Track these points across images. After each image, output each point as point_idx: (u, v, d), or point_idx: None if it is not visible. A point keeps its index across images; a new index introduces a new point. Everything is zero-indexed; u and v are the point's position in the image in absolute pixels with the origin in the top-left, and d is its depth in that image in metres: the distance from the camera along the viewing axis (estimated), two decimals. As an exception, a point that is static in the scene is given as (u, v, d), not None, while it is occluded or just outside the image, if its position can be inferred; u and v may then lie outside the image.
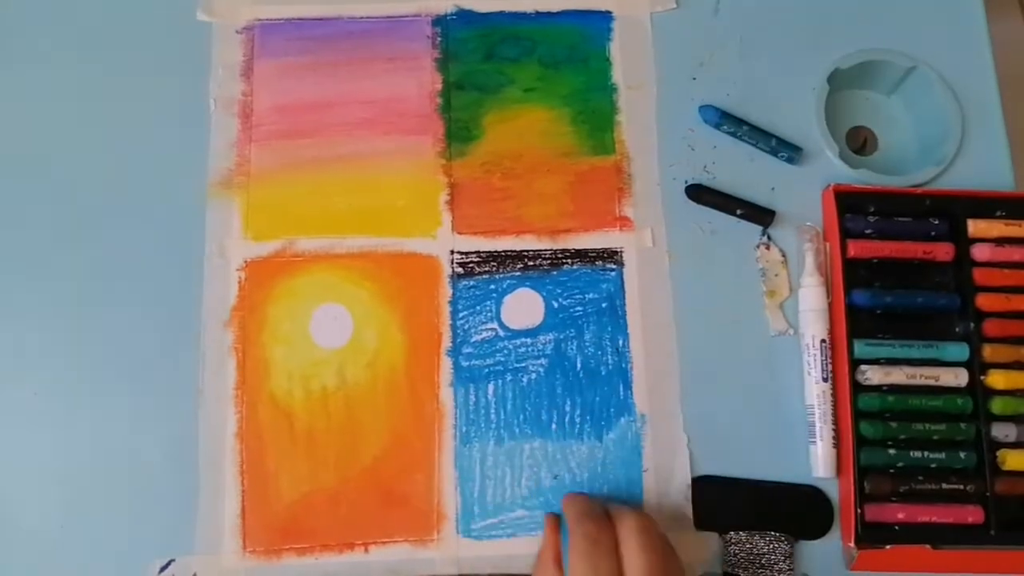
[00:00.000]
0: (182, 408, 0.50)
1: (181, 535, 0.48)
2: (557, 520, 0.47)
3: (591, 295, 0.52)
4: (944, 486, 0.48)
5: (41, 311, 0.51)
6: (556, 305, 0.52)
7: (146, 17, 0.55)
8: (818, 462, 0.49)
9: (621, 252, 0.52)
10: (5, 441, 0.49)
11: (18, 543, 0.48)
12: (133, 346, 0.50)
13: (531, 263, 0.52)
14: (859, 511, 0.47)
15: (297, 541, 0.48)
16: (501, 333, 0.51)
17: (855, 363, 0.50)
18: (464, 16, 0.56)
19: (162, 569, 0.48)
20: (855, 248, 0.51)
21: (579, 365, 0.51)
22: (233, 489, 0.49)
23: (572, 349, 0.51)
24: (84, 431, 0.49)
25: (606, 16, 0.57)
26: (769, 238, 0.52)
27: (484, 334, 0.51)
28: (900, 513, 0.47)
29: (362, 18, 0.56)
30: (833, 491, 0.49)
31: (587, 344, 0.51)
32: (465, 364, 0.51)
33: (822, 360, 0.49)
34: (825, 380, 0.49)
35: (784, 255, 0.52)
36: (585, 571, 0.40)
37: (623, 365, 0.51)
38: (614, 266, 0.52)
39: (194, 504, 0.48)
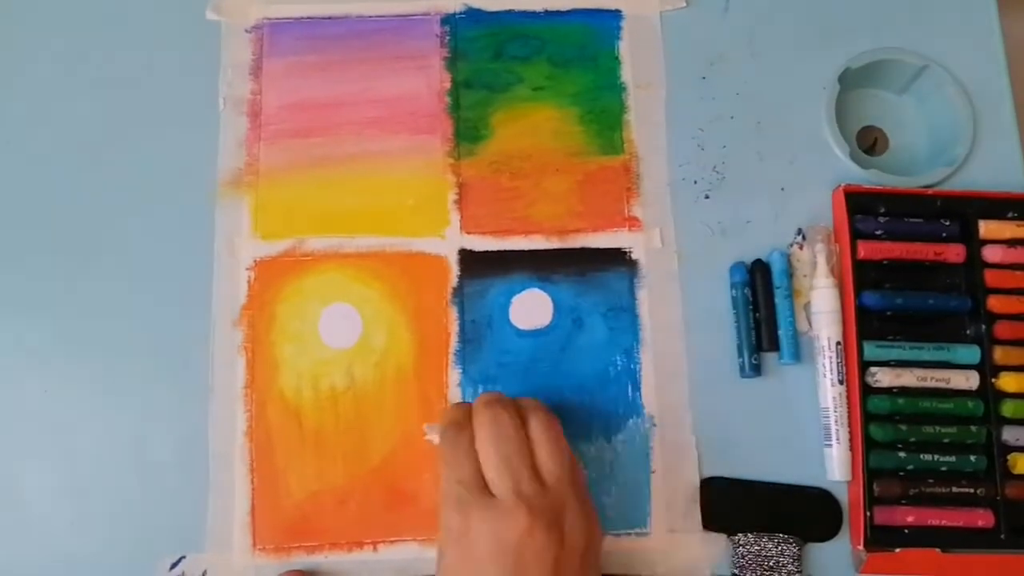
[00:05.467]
0: (192, 406, 0.50)
1: (191, 533, 0.48)
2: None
3: (599, 295, 0.52)
4: (954, 489, 0.48)
5: (51, 309, 0.51)
6: (564, 305, 0.52)
7: (155, 16, 0.55)
8: (834, 465, 0.48)
9: (630, 252, 0.52)
10: (16, 438, 0.49)
11: (29, 540, 0.48)
12: (143, 344, 0.51)
13: (540, 263, 0.52)
14: (868, 514, 0.47)
15: (306, 540, 0.48)
16: (510, 333, 0.51)
17: (865, 365, 0.49)
18: (473, 15, 0.56)
19: (172, 566, 0.48)
20: (865, 249, 0.51)
21: (587, 366, 0.51)
22: (243, 487, 0.49)
23: (580, 350, 0.51)
24: (94, 429, 0.50)
25: (615, 15, 0.56)
26: (804, 238, 0.52)
27: (493, 334, 0.51)
28: (910, 516, 0.47)
29: (371, 17, 0.56)
30: (842, 493, 0.49)
31: (595, 345, 0.51)
32: (473, 364, 0.51)
33: (837, 362, 0.49)
34: (841, 382, 0.49)
35: (816, 257, 0.51)
36: (446, 477, 0.42)
37: (632, 366, 0.51)
38: (623, 266, 0.52)
39: (204, 502, 0.49)
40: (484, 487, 0.41)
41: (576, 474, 0.42)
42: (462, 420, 0.43)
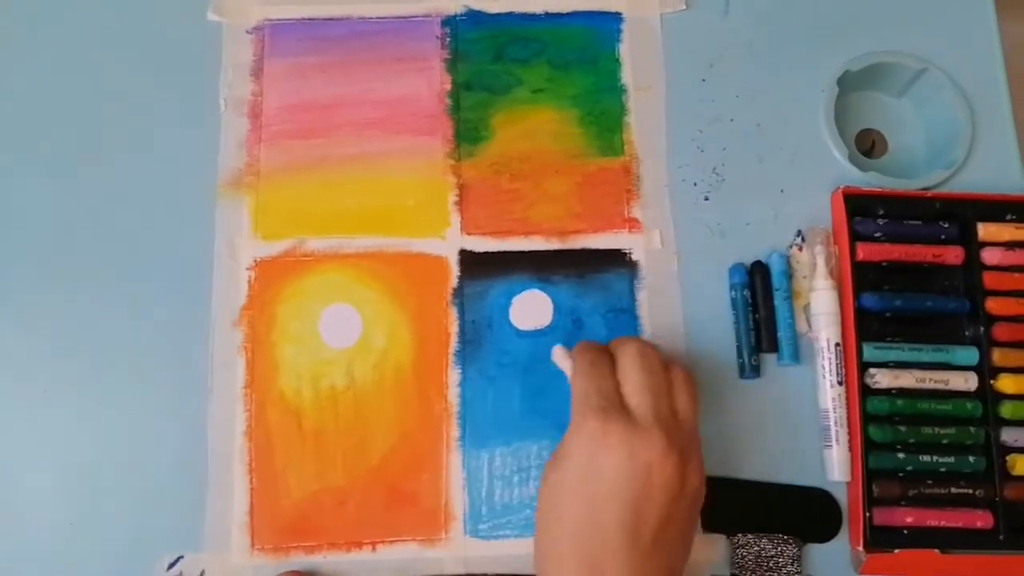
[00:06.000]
0: (191, 407, 0.50)
1: (190, 532, 0.48)
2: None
3: (599, 296, 0.52)
4: (953, 490, 0.48)
5: (51, 310, 0.51)
6: (564, 306, 0.52)
7: (157, 17, 0.55)
8: (833, 466, 0.48)
9: (630, 253, 0.52)
10: (15, 438, 0.49)
11: (29, 540, 0.48)
12: (143, 345, 0.50)
13: (540, 264, 0.52)
14: (867, 515, 0.47)
15: (305, 539, 0.48)
16: (510, 334, 0.51)
17: (864, 366, 0.49)
18: (474, 17, 0.56)
19: (171, 566, 0.48)
20: (864, 251, 0.51)
21: (587, 366, 0.51)
22: (242, 487, 0.49)
23: (580, 350, 0.51)
24: (94, 429, 0.50)
25: (616, 17, 0.57)
26: (803, 240, 0.52)
27: (492, 335, 0.51)
28: (909, 517, 0.47)
29: (372, 18, 0.56)
30: (841, 494, 0.49)
31: (595, 345, 0.51)
32: (473, 365, 0.51)
33: (837, 363, 0.49)
34: (840, 384, 0.49)
35: (815, 258, 0.51)
36: (587, 388, 0.43)
37: (631, 367, 0.51)
38: (623, 267, 0.52)
39: (203, 502, 0.49)
40: (624, 405, 0.42)
41: (698, 432, 0.44)
42: (603, 347, 0.45)
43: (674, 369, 0.44)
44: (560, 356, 0.47)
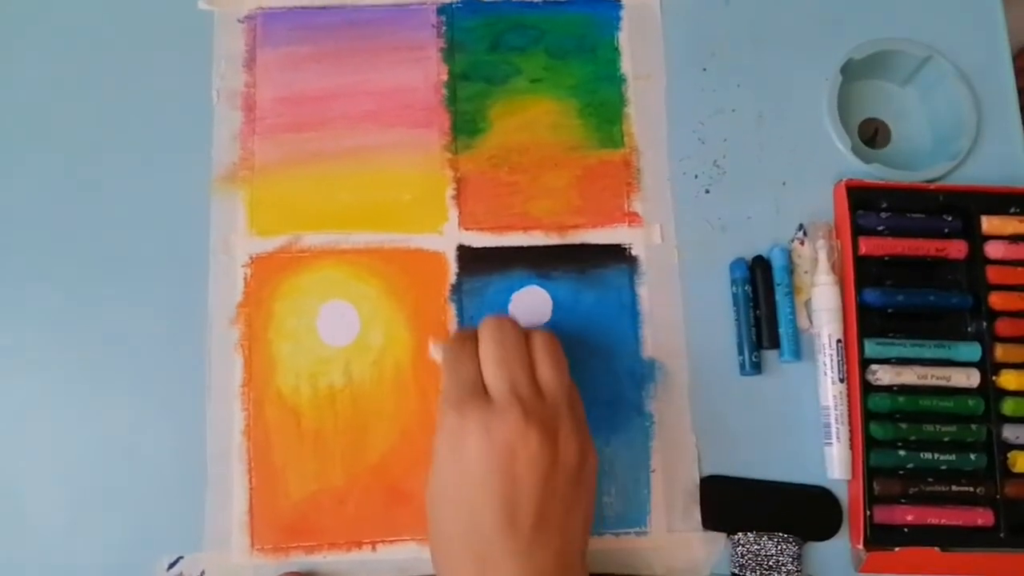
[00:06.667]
0: (189, 405, 0.49)
1: (189, 532, 0.48)
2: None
3: (599, 292, 0.51)
4: (954, 488, 0.48)
5: (46, 308, 0.50)
6: (564, 302, 0.51)
7: (146, 6, 0.54)
8: (834, 464, 0.48)
9: (630, 248, 0.52)
10: (12, 439, 0.49)
11: (26, 540, 0.48)
12: (139, 343, 0.50)
13: (539, 259, 0.52)
14: (868, 513, 0.47)
15: (305, 539, 0.48)
16: (509, 331, 0.51)
17: (865, 362, 0.49)
18: (470, 4, 0.55)
19: (170, 566, 0.48)
20: (867, 245, 0.50)
21: (586, 363, 0.50)
22: (241, 487, 0.49)
23: (580, 347, 0.51)
24: (91, 429, 0.49)
25: (615, 4, 0.55)
26: (805, 234, 0.52)
27: (491, 331, 0.51)
28: (909, 515, 0.47)
29: (366, 7, 0.55)
30: (842, 492, 0.49)
31: (595, 342, 0.51)
32: (472, 362, 0.50)
33: (838, 360, 0.49)
34: (842, 381, 0.48)
35: (817, 253, 0.51)
36: (447, 382, 0.42)
37: (631, 363, 0.50)
38: (623, 262, 0.52)
39: (202, 502, 0.48)
40: (483, 391, 0.41)
41: (574, 397, 0.43)
42: (468, 334, 0.44)
43: (534, 337, 0.43)
44: (436, 352, 0.47)
